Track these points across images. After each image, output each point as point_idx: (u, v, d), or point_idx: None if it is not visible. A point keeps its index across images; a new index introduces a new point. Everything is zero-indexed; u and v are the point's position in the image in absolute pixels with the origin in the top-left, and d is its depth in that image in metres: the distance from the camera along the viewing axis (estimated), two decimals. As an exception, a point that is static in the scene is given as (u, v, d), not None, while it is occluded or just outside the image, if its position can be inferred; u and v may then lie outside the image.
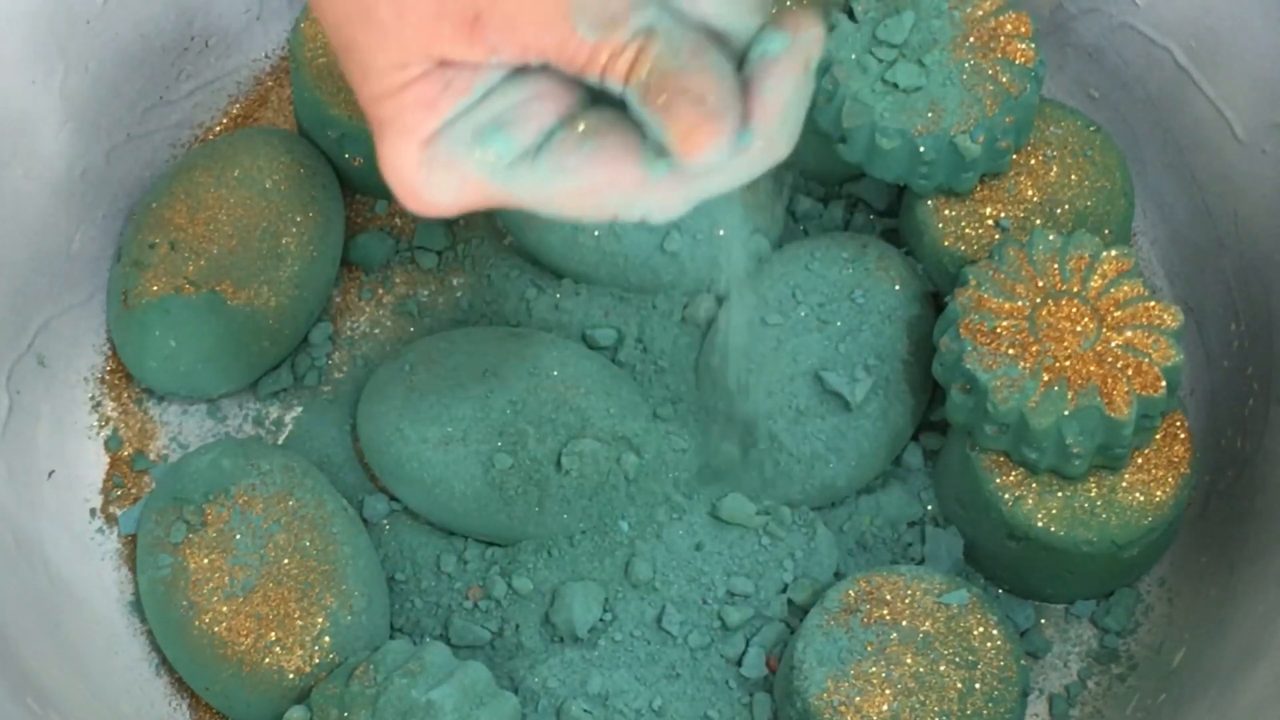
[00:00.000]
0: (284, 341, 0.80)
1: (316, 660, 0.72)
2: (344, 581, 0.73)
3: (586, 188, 0.52)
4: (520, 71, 0.52)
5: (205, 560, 0.73)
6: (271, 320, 0.79)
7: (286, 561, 0.73)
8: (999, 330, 0.71)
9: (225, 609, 0.72)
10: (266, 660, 0.71)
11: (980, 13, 0.76)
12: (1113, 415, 0.69)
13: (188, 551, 0.73)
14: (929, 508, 0.78)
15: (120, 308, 0.79)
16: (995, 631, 0.71)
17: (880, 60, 0.75)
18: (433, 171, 0.52)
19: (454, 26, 0.49)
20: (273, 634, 0.72)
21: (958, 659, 0.71)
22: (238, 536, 0.73)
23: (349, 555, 0.74)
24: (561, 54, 0.50)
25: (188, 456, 0.76)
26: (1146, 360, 0.70)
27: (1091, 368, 0.70)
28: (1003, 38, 0.76)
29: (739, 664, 0.74)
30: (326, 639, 0.72)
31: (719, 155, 0.50)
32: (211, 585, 0.72)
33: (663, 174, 0.52)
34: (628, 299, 0.79)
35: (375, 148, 0.53)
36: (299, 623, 0.72)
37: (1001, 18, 0.76)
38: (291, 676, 0.71)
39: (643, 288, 0.80)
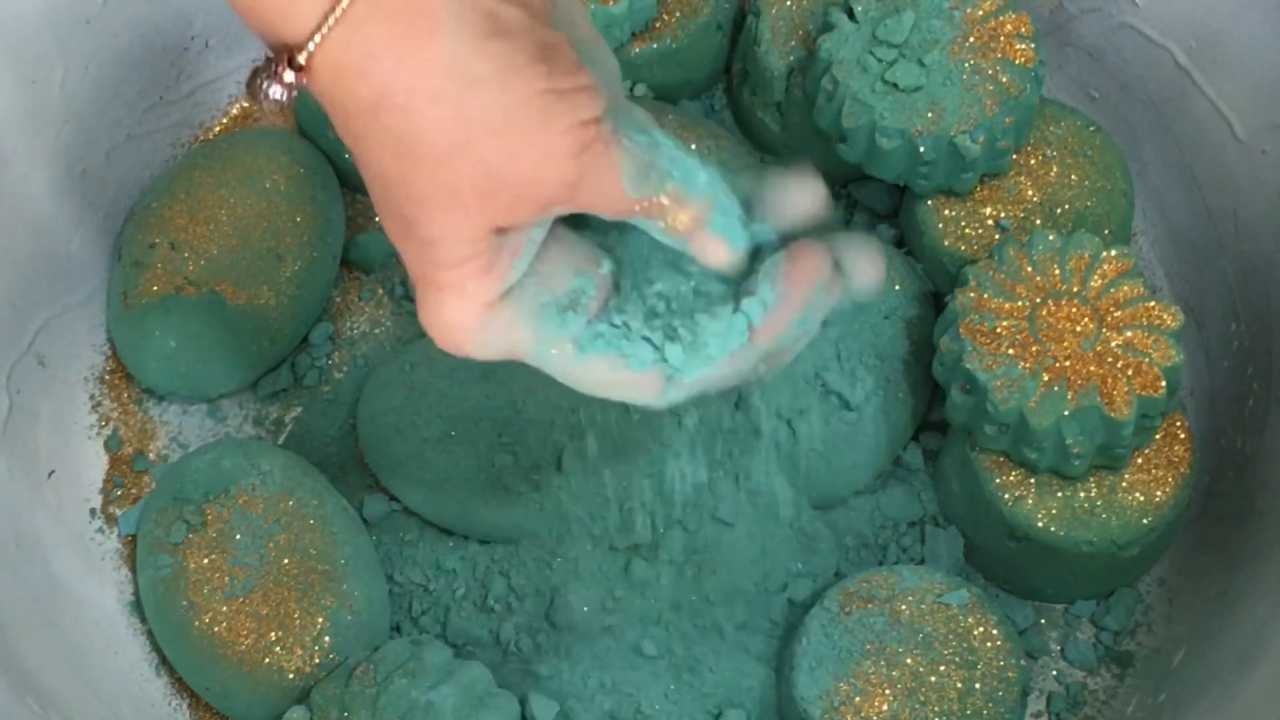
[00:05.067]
0: (284, 341, 0.80)
1: (316, 660, 0.72)
2: (344, 581, 0.73)
3: (611, 383, 0.58)
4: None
5: (205, 560, 0.73)
6: (271, 320, 0.79)
7: (286, 561, 0.73)
8: (999, 330, 0.71)
9: (225, 609, 0.72)
10: (266, 660, 0.71)
11: (980, 13, 0.76)
12: (1113, 415, 0.69)
13: (188, 551, 0.73)
14: (929, 508, 0.78)
15: (120, 307, 0.79)
16: (995, 631, 0.71)
17: (880, 60, 0.75)
18: (488, 333, 0.56)
19: (556, 190, 0.53)
20: (273, 634, 0.72)
21: (958, 659, 0.71)
22: (238, 536, 0.73)
23: (349, 555, 0.74)
24: (612, 208, 0.55)
25: (188, 456, 0.76)
26: (1146, 360, 0.70)
27: (1091, 368, 0.70)
28: (1003, 38, 0.76)
29: (739, 663, 0.74)
30: (326, 639, 0.72)
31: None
32: (211, 585, 0.72)
33: (678, 397, 0.58)
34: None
35: (419, 299, 0.55)
36: (299, 623, 0.72)
37: (1001, 18, 0.76)
38: (291, 676, 0.71)
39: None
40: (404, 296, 0.83)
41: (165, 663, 0.76)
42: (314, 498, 0.74)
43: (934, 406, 0.78)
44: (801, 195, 0.58)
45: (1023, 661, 0.71)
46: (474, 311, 0.55)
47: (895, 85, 0.75)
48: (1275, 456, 0.75)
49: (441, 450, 0.76)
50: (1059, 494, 0.73)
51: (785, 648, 0.74)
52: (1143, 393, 0.70)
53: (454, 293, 0.54)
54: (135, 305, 0.78)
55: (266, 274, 0.79)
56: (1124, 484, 0.73)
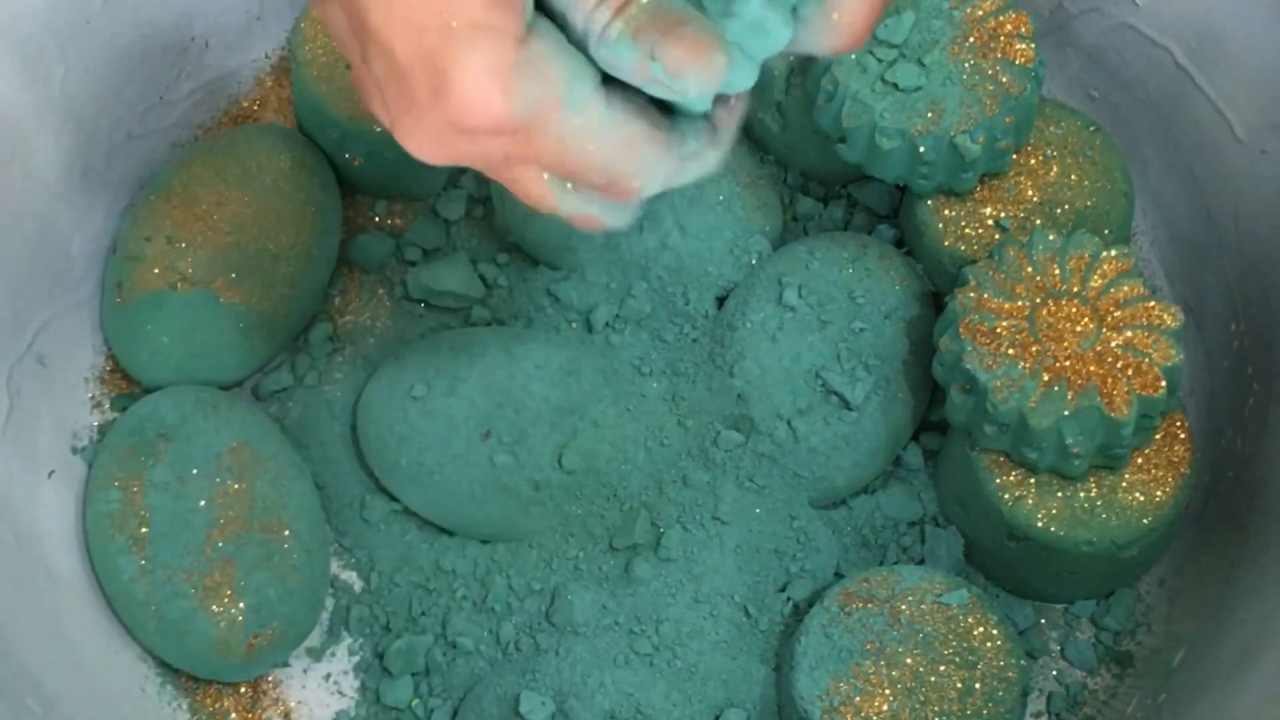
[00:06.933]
0: (276, 341, 0.80)
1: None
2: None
3: (631, 136, 0.54)
4: None
5: (155, 500, 0.75)
6: (264, 319, 0.79)
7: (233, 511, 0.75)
8: (999, 330, 0.71)
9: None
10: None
11: (980, 13, 0.76)
12: (1113, 415, 0.69)
13: (136, 489, 0.75)
14: (929, 508, 0.78)
15: (114, 300, 0.79)
16: (995, 631, 0.71)
17: (880, 60, 0.75)
18: (523, 75, 0.52)
19: None
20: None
21: (958, 659, 0.71)
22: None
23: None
24: None
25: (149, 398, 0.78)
26: (1146, 360, 0.70)
27: (1091, 368, 0.70)
28: (1003, 38, 0.76)
29: (739, 663, 0.74)
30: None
31: (716, 80, 0.52)
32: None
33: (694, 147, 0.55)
34: (630, 296, 0.80)
35: (446, 68, 0.51)
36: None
37: (1001, 18, 0.76)
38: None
39: (643, 283, 0.80)
40: (404, 297, 0.83)
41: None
42: (267, 448, 0.76)
43: (934, 406, 0.78)
44: None
45: (1023, 661, 0.71)
46: (509, 49, 0.52)
47: (895, 85, 0.75)
48: (1275, 456, 0.75)
49: (441, 450, 0.76)
50: (1059, 494, 0.73)
51: (785, 647, 0.74)
52: (1143, 393, 0.70)
53: (488, 32, 0.51)
54: (129, 299, 0.78)
55: (261, 273, 0.79)
56: (1124, 484, 0.73)
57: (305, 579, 0.74)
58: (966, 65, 0.75)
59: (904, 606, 0.72)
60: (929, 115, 0.74)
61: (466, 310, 0.82)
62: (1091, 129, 0.79)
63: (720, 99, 0.56)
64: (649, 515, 0.76)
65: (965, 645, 0.71)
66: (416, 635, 0.76)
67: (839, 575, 0.76)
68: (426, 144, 0.54)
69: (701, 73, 0.52)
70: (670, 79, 0.52)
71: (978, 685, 0.70)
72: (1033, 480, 0.73)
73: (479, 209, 0.84)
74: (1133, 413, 0.69)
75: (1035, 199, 0.78)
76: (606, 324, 0.79)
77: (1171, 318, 0.71)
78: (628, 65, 0.53)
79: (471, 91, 0.52)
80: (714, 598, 0.75)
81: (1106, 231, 0.78)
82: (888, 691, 0.70)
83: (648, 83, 0.53)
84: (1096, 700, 0.76)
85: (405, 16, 0.52)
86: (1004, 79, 0.75)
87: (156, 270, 0.78)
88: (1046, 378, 0.70)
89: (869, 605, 0.72)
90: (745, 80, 0.55)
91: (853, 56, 0.76)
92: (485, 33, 0.51)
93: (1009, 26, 0.76)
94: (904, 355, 0.77)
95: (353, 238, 0.84)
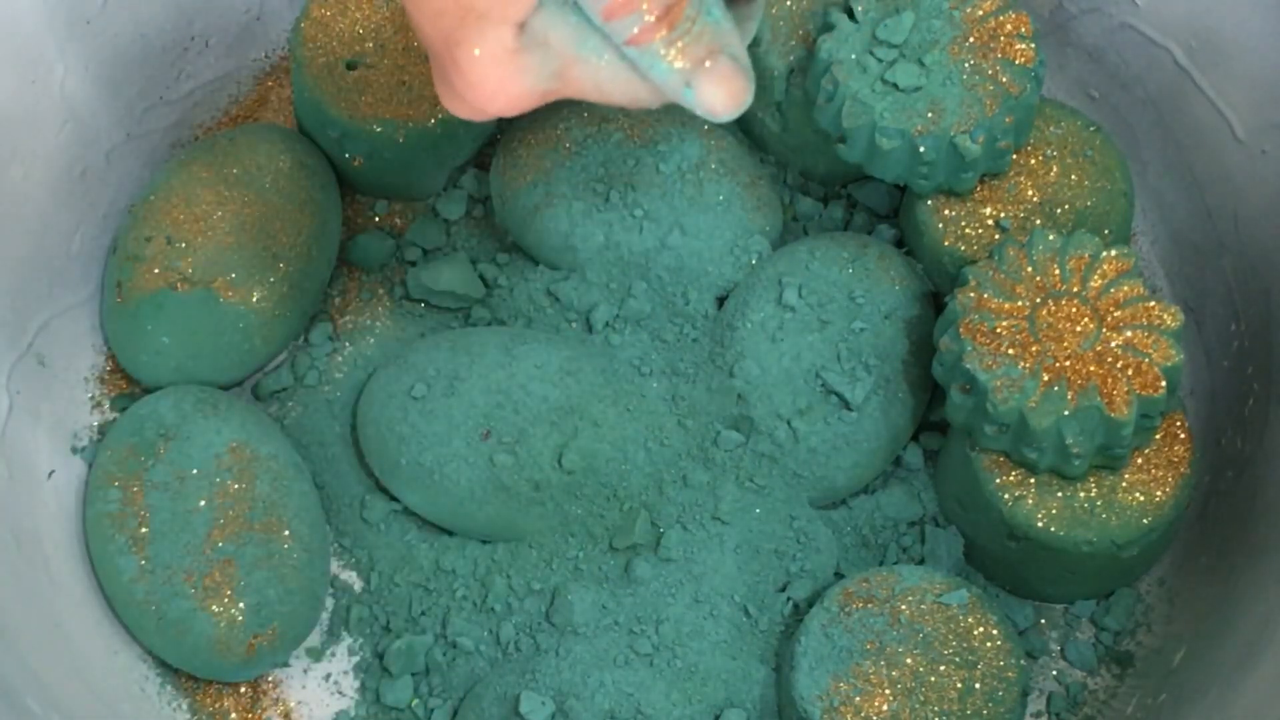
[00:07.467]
0: (275, 341, 0.80)
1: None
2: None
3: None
4: None
5: (154, 500, 0.75)
6: (263, 320, 0.79)
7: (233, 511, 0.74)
8: (999, 330, 0.71)
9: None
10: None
11: (980, 13, 0.76)
12: (1113, 415, 0.69)
13: (135, 489, 0.75)
14: (929, 508, 0.78)
15: (114, 300, 0.79)
16: (995, 631, 0.71)
17: (880, 60, 0.75)
18: (532, 51, 0.56)
19: None
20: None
21: (958, 659, 0.71)
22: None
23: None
24: None
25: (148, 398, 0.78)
26: (1146, 360, 0.70)
27: (1091, 368, 0.70)
28: (1003, 38, 0.76)
29: (739, 663, 0.74)
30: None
31: (741, 110, 0.58)
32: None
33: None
34: (630, 296, 0.80)
35: (457, 58, 0.55)
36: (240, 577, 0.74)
37: (1001, 18, 0.76)
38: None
39: (643, 283, 0.80)
40: (404, 297, 0.83)
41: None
42: (267, 448, 0.76)
43: (934, 406, 0.78)
44: None
45: (1023, 661, 0.71)
46: (513, 32, 0.55)
47: (895, 85, 0.75)
48: (1275, 456, 0.75)
49: (441, 450, 0.76)
50: (1059, 494, 0.73)
51: (785, 647, 0.74)
52: (1143, 393, 0.70)
53: (493, 20, 0.54)
54: (129, 299, 0.78)
55: (260, 273, 0.79)
56: (1124, 484, 0.73)
57: (305, 579, 0.74)
58: (966, 65, 0.75)
59: (904, 606, 0.72)
60: (929, 115, 0.74)
61: (466, 310, 0.82)
62: (1091, 129, 0.79)
63: None
64: (649, 515, 0.76)
65: (965, 645, 0.71)
66: (416, 635, 0.76)
67: (839, 575, 0.76)
68: (465, 114, 0.58)
69: (733, 110, 0.58)
70: (700, 108, 0.57)
71: (978, 685, 0.70)
72: (1033, 480, 0.73)
73: (479, 209, 0.84)
74: (1133, 413, 0.69)
75: (1035, 199, 0.78)
76: (606, 324, 0.79)
77: (1171, 318, 0.71)
78: (657, 77, 0.57)
79: (484, 82, 0.56)
80: (714, 598, 0.75)
81: (1106, 231, 0.78)
82: (888, 691, 0.70)
83: (672, 95, 0.58)
84: (1096, 700, 0.76)
85: (440, 20, 0.55)
86: (1004, 79, 0.75)
87: (156, 270, 0.78)
88: (1046, 378, 0.70)
89: (869, 605, 0.72)
90: None
91: (853, 56, 0.76)
92: (490, 24, 0.54)
93: (1009, 26, 0.76)
94: (904, 355, 0.77)
95: (353, 238, 0.84)
